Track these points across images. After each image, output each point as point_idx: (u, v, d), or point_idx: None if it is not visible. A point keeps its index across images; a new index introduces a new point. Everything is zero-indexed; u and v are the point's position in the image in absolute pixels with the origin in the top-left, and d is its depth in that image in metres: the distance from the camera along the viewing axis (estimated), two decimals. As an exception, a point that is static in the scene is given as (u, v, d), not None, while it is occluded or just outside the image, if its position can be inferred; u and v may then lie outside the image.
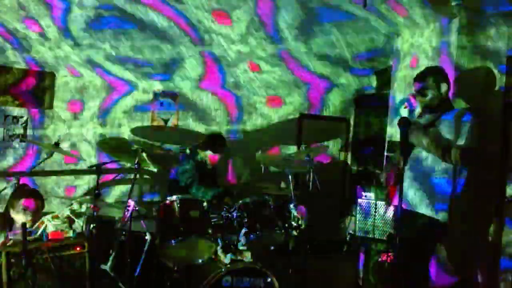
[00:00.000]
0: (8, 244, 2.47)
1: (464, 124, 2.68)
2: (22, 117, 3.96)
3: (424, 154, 2.79)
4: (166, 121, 4.64)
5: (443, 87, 2.85)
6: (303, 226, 3.55)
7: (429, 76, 2.87)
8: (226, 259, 2.94)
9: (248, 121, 5.00)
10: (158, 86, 4.57)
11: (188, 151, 4.22)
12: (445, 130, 2.73)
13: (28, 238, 2.44)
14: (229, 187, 3.99)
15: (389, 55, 4.47)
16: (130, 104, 4.49)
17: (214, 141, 4.04)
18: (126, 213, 2.83)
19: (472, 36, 3.71)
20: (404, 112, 2.79)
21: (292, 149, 5.31)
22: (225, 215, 3.16)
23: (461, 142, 2.65)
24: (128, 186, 3.11)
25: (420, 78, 2.91)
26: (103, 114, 4.36)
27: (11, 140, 3.92)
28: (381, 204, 3.66)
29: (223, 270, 2.84)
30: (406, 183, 2.77)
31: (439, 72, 2.94)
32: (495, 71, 3.76)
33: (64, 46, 3.85)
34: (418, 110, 2.74)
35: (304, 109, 5.25)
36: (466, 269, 3.65)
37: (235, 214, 3.16)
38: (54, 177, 4.12)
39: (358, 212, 3.76)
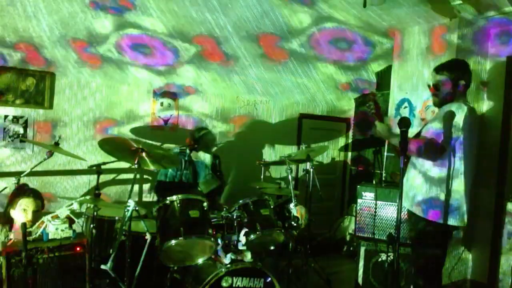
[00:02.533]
0: (8, 244, 2.47)
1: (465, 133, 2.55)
2: (22, 117, 3.96)
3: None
4: (166, 121, 4.63)
5: (461, 84, 2.69)
6: (303, 226, 3.56)
7: (449, 72, 2.71)
8: (226, 259, 2.93)
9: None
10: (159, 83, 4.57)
11: (188, 151, 4.21)
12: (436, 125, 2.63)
13: (28, 238, 2.44)
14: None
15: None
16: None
17: (197, 137, 4.02)
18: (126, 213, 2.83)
19: (473, 36, 3.72)
20: (404, 112, 2.79)
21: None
22: (225, 215, 3.16)
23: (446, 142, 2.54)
24: (128, 186, 3.11)
25: (440, 71, 2.74)
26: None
27: (11, 140, 3.91)
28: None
29: (223, 270, 2.84)
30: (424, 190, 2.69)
31: (460, 68, 2.76)
32: (495, 71, 3.77)
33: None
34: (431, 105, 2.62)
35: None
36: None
37: (235, 214, 3.15)
38: (54, 177, 4.12)
39: (358, 212, 3.76)
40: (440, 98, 2.72)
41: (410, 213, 2.74)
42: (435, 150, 2.54)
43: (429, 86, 2.78)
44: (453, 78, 2.69)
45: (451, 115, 2.56)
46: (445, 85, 2.69)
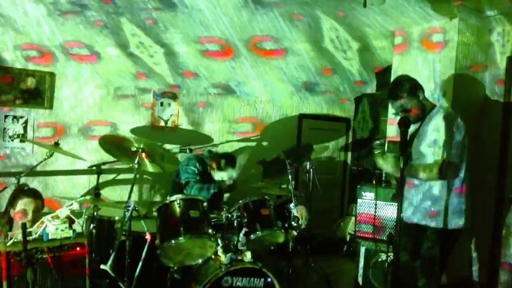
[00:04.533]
0: (8, 244, 2.47)
1: (457, 136, 2.61)
2: (22, 117, 3.96)
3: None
4: (166, 121, 4.64)
5: (420, 94, 2.74)
6: (303, 226, 3.55)
7: (403, 91, 2.74)
8: (226, 259, 2.93)
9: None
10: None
11: (188, 151, 4.21)
12: (429, 139, 2.63)
13: (28, 238, 2.44)
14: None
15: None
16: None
17: (226, 160, 3.99)
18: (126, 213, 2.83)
19: (473, 36, 3.71)
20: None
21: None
22: (225, 215, 3.16)
23: (447, 156, 2.57)
24: (128, 186, 3.12)
25: (395, 96, 2.77)
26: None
27: (11, 140, 3.92)
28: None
29: (223, 270, 2.84)
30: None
31: (409, 81, 2.81)
32: (495, 71, 3.77)
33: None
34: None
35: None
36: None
37: (235, 214, 3.15)
38: (54, 177, 4.13)
39: (358, 212, 3.76)
40: (414, 117, 2.74)
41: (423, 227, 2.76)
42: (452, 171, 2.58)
43: (397, 114, 2.79)
44: (411, 95, 2.72)
45: (446, 125, 2.59)
46: (409, 104, 2.72)
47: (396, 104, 2.78)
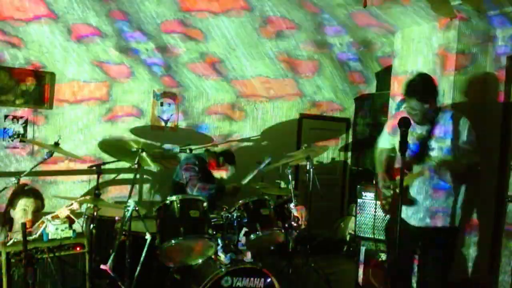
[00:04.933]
0: (8, 244, 2.47)
1: (468, 139, 2.65)
2: (22, 117, 3.96)
3: None
4: (166, 121, 4.64)
5: (426, 104, 2.70)
6: (303, 226, 3.55)
7: (430, 96, 2.73)
8: (226, 259, 2.93)
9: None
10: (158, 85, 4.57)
11: (188, 151, 4.21)
12: (445, 145, 2.68)
13: (28, 238, 2.44)
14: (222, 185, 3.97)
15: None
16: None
17: (224, 158, 4.01)
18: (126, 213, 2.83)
19: (473, 36, 3.71)
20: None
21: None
22: (225, 215, 3.15)
23: (464, 159, 2.63)
24: (128, 186, 3.12)
25: (425, 99, 2.72)
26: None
27: (11, 140, 3.92)
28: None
29: (223, 270, 2.84)
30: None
31: (435, 87, 2.82)
32: (495, 71, 3.77)
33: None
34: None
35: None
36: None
37: (235, 214, 3.15)
38: (54, 177, 4.13)
39: (358, 212, 3.76)
40: (414, 120, 2.72)
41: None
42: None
43: (415, 114, 2.74)
44: (435, 99, 2.75)
45: (461, 126, 2.67)
46: (431, 108, 2.71)
47: (424, 107, 2.70)
